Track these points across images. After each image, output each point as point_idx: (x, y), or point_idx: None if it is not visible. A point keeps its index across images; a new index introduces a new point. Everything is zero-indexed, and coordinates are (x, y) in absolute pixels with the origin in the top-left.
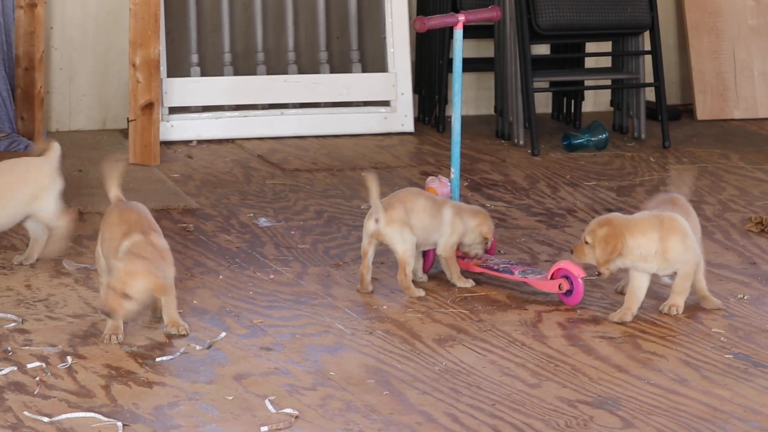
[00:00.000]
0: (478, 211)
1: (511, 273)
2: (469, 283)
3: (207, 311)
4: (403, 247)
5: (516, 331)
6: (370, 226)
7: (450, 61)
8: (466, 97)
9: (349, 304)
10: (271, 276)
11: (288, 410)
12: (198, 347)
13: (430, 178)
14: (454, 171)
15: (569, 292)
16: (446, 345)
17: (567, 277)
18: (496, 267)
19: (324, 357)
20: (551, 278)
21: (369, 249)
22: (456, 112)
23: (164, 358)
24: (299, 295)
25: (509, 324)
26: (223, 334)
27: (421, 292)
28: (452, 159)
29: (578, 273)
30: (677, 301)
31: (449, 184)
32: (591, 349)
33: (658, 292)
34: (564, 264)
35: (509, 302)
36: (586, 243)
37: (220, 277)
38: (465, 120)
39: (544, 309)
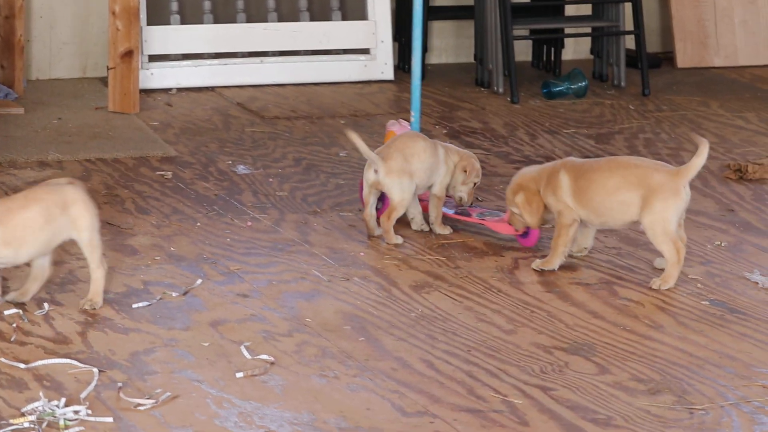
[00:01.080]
0: (462, 151)
1: (468, 215)
2: (447, 230)
3: (184, 258)
4: (401, 196)
5: (492, 278)
6: (369, 176)
7: (431, 9)
8: (445, 45)
9: (326, 251)
10: (249, 223)
11: (264, 356)
12: (174, 294)
13: (391, 121)
14: (414, 114)
15: (525, 234)
16: (422, 291)
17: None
18: (453, 209)
19: (300, 303)
20: (509, 222)
21: (370, 198)
22: (416, 56)
23: (140, 304)
24: (276, 242)
25: (486, 271)
26: (200, 280)
27: (399, 240)
28: (412, 102)
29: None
30: (546, 260)
31: (409, 127)
32: (567, 296)
33: (634, 239)
34: None
35: (486, 249)
36: (514, 213)
37: (198, 224)
38: (444, 68)
39: (521, 256)
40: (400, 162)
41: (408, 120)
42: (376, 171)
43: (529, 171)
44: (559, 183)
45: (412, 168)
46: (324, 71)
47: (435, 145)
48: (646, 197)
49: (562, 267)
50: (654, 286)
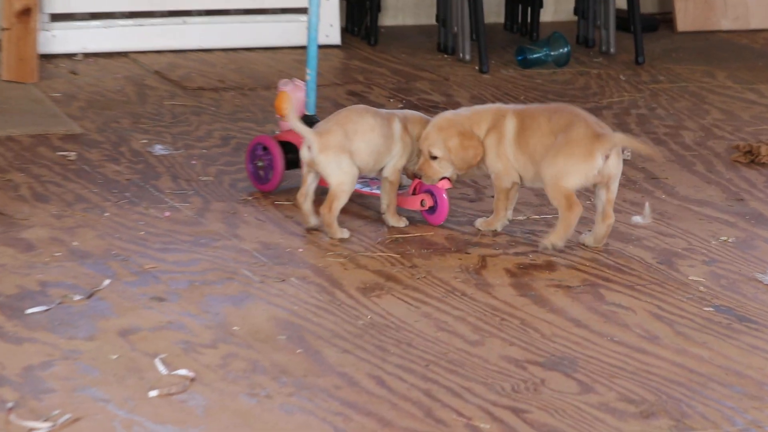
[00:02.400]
0: (422, 119)
1: (369, 188)
2: (403, 222)
3: (89, 254)
4: (339, 178)
5: (455, 279)
6: (304, 153)
7: None
8: (402, 3)
9: (258, 247)
10: (167, 213)
11: (182, 371)
12: (77, 297)
13: (283, 80)
14: (310, 72)
15: (432, 209)
16: (372, 295)
17: (430, 192)
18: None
19: (227, 309)
20: (413, 193)
21: (308, 177)
22: (314, 11)
23: (36, 309)
24: (199, 235)
25: (447, 270)
26: (108, 281)
27: (346, 234)
28: (308, 58)
29: (443, 185)
30: (488, 221)
31: (304, 87)
32: (544, 300)
33: (625, 233)
34: None
35: (448, 245)
36: (434, 158)
37: (106, 214)
38: (401, 31)
39: (490, 253)
40: (339, 137)
41: (303, 79)
42: (309, 148)
43: (459, 112)
44: (504, 129)
45: (353, 147)
46: (258, 34)
47: (389, 121)
48: (556, 147)
49: (538, 266)
50: (540, 247)
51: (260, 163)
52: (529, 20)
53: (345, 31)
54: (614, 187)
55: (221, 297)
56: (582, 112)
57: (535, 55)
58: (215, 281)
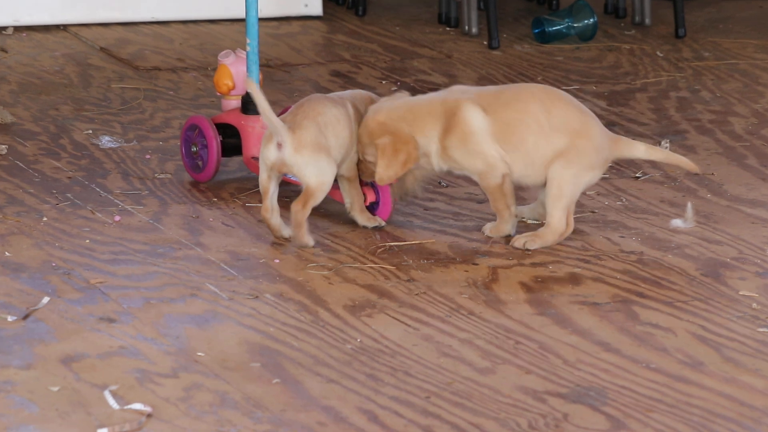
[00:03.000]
0: (372, 100)
1: None
2: (375, 222)
3: (24, 267)
4: (319, 179)
5: (461, 295)
6: (269, 153)
7: None
8: None
9: (225, 257)
10: (117, 218)
11: (137, 406)
12: (10, 318)
13: (224, 51)
14: (251, 42)
15: (374, 205)
16: (362, 314)
17: (372, 186)
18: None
19: (189, 331)
20: None
21: (270, 185)
22: None
23: None
24: (156, 244)
25: (452, 285)
26: (47, 299)
27: (310, 241)
28: (247, 26)
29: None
30: (496, 227)
31: (245, 58)
32: (567, 320)
33: (663, 240)
34: None
35: (452, 254)
36: (368, 161)
37: (44, 219)
38: None
39: (501, 264)
40: (314, 133)
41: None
42: (279, 145)
43: (393, 106)
44: (468, 125)
45: (329, 142)
46: (222, 4)
47: (345, 108)
48: (569, 147)
49: (559, 279)
50: (517, 244)
51: (194, 148)
52: None
53: None
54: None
55: (183, 317)
56: (573, 100)
57: (554, 28)
58: (175, 298)
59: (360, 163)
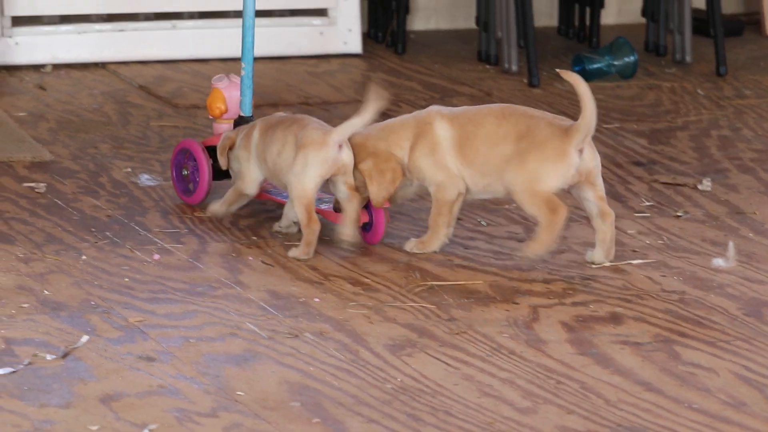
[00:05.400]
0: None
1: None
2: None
3: (63, 306)
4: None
5: (502, 334)
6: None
7: None
8: (436, 3)
9: (265, 296)
10: (156, 256)
11: None
12: (49, 357)
13: (217, 76)
14: (245, 66)
15: (367, 226)
16: (403, 354)
17: (366, 207)
18: (282, 194)
19: (229, 370)
20: None
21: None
22: None
23: (0, 371)
24: (195, 283)
25: (492, 324)
26: (86, 337)
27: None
28: (243, 51)
29: None
30: (423, 241)
31: (239, 83)
32: (608, 360)
33: (704, 279)
34: None
35: (492, 293)
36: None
37: (83, 257)
38: (434, 36)
39: (542, 303)
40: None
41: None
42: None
43: (370, 126)
44: (436, 137)
45: None
46: (263, 41)
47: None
48: (522, 152)
49: (600, 319)
50: (523, 254)
51: (185, 172)
52: (587, 23)
53: (367, 37)
54: (599, 181)
55: (222, 356)
56: (536, 111)
57: (595, 66)
58: (215, 338)
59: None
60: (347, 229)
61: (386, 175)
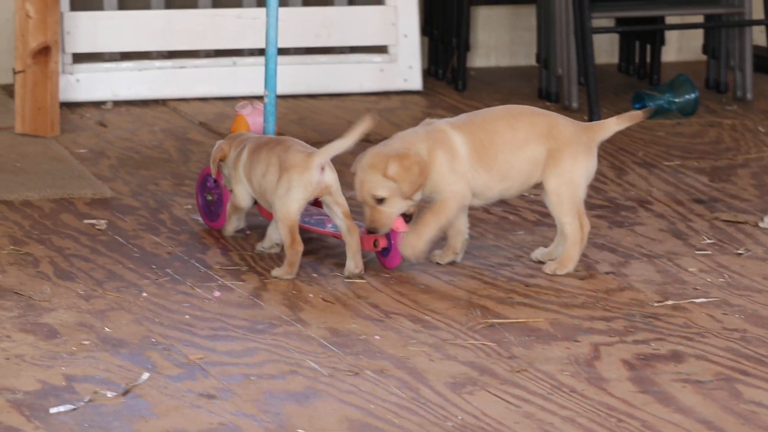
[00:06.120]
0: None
1: (323, 226)
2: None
3: (124, 343)
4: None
5: (563, 372)
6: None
7: None
8: (496, 40)
9: (325, 333)
10: (217, 293)
11: None
12: (110, 394)
13: (241, 103)
14: (269, 94)
15: (386, 251)
16: (463, 391)
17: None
18: (306, 219)
19: (290, 408)
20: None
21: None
22: (271, 14)
23: (61, 408)
24: (256, 320)
25: (553, 362)
26: (147, 375)
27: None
28: (266, 78)
29: (397, 226)
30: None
31: (262, 110)
32: (669, 398)
33: (766, 317)
34: None
35: (553, 331)
36: (379, 201)
37: (144, 294)
38: (494, 73)
39: (603, 341)
40: None
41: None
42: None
43: (384, 144)
44: (453, 145)
45: None
46: (323, 78)
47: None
48: (554, 153)
49: (661, 357)
50: (548, 271)
51: (209, 197)
52: (648, 60)
53: (427, 74)
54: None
55: (283, 394)
56: (537, 109)
57: (656, 103)
58: (275, 375)
59: (374, 215)
60: (351, 262)
61: (413, 170)
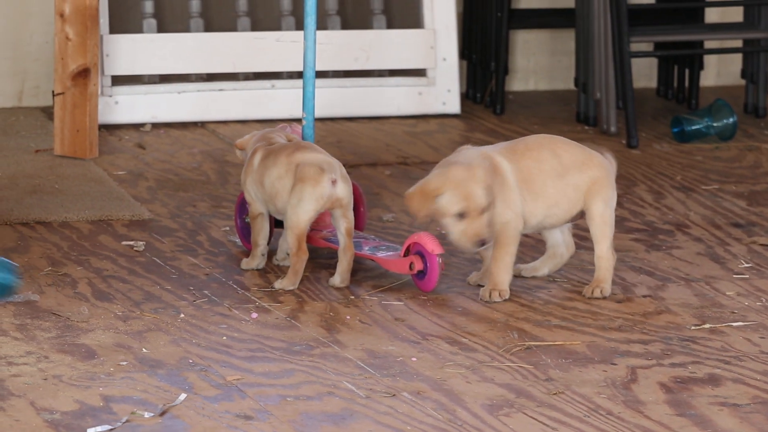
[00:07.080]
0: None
1: (360, 248)
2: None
3: (161, 363)
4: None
5: (600, 395)
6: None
7: (513, 13)
8: (535, 65)
9: (362, 355)
10: (254, 315)
11: None
12: (147, 414)
13: (280, 125)
14: (307, 116)
15: (422, 274)
16: (500, 413)
17: (420, 254)
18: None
19: (326, 429)
20: (405, 255)
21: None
22: (309, 37)
23: (99, 429)
24: (293, 341)
25: (590, 385)
26: (184, 395)
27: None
28: (303, 101)
29: (433, 249)
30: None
31: (301, 131)
32: (707, 421)
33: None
34: (420, 237)
35: (590, 354)
36: (460, 216)
37: (182, 315)
38: (533, 97)
39: (640, 364)
40: None
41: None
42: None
43: (454, 158)
44: (502, 172)
45: None
46: (361, 101)
47: None
48: (597, 180)
49: (698, 380)
50: (589, 294)
51: (248, 219)
52: (687, 85)
53: (465, 97)
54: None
55: (320, 415)
56: (567, 140)
57: (694, 127)
58: (312, 396)
59: (469, 222)
60: (338, 277)
61: (475, 191)
